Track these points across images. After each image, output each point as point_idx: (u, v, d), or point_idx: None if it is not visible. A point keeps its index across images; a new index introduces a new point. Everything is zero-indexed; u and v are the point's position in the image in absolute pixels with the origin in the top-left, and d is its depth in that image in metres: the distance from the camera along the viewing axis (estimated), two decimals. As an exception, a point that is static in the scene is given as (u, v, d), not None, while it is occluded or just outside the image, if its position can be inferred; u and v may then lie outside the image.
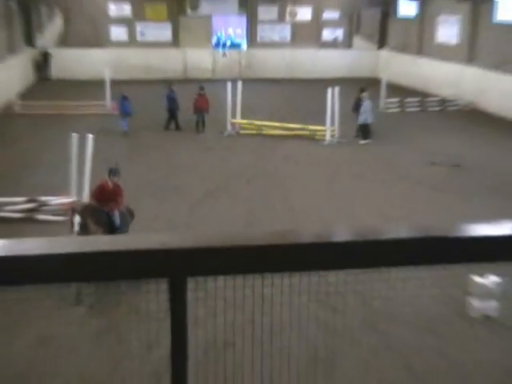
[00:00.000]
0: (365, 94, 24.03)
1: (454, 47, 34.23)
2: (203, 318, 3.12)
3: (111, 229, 11.97)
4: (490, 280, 10.50)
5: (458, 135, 25.28)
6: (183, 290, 2.16)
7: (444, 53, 34.88)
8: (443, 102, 31.83)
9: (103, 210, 12.01)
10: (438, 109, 31.23)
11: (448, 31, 35.11)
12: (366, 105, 23.75)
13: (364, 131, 23.97)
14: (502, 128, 26.77)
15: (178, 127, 25.26)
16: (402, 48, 39.55)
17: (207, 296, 3.49)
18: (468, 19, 32.99)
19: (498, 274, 10.36)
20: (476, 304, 10.52)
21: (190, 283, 2.15)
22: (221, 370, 7.28)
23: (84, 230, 11.42)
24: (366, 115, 23.69)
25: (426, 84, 35.15)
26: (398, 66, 38.20)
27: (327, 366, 8.81)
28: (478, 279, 10.51)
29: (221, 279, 2.42)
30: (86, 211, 11.81)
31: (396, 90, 33.49)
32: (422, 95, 32.79)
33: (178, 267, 2.14)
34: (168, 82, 26.98)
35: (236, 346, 7.15)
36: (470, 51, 32.97)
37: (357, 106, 24.30)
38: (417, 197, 17.49)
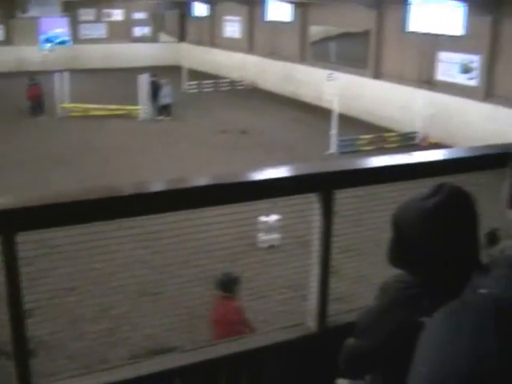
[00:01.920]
0: (164, 81, 24.11)
1: (238, 40, 34.77)
2: (47, 270, 3.11)
3: None
4: (273, 218, 11.02)
5: (243, 109, 25.85)
6: (13, 245, 2.04)
7: (231, 44, 35.34)
8: (232, 82, 32.25)
9: None
10: (228, 88, 31.60)
11: (233, 28, 35.62)
12: (166, 89, 23.85)
13: (166, 110, 23.91)
14: (277, 102, 27.73)
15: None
16: (198, 41, 39.60)
17: (52, 252, 3.46)
18: (247, 18, 33.63)
19: (277, 213, 10.87)
20: (263, 237, 11.04)
21: (28, 240, 2.03)
22: (65, 311, 7.18)
23: None
24: (166, 98, 23.78)
25: (219, 69, 35.44)
26: (196, 55, 38.25)
27: (153, 297, 8.92)
28: (263, 218, 10.99)
29: (61, 236, 2.39)
30: None
31: (195, 74, 33.56)
32: (216, 78, 33.03)
33: (9, 225, 2.03)
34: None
35: (78, 289, 7.06)
36: (249, 43, 33.67)
37: (154, 90, 24.06)
38: (212, 156, 17.97)
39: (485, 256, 1.33)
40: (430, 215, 1.71)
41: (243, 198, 2.52)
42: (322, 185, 2.66)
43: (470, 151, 3.30)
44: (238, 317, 6.47)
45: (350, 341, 2.01)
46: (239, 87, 31.94)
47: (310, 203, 2.75)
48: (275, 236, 10.93)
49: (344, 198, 3.15)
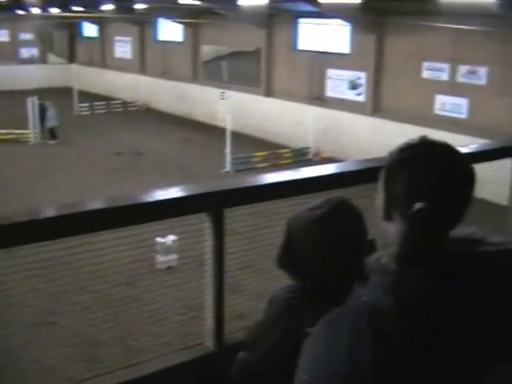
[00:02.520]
0: (48, 103, 23.53)
1: (129, 61, 34.40)
2: None
3: None
4: (170, 239, 10.92)
5: (137, 130, 25.51)
6: None
7: (123, 65, 34.91)
8: (125, 104, 31.82)
9: None
10: (121, 110, 31.16)
11: (124, 48, 35.23)
12: (51, 112, 23.30)
13: (52, 133, 23.34)
14: (171, 122, 27.60)
15: None
16: (89, 62, 38.82)
17: None
18: (137, 39, 33.38)
19: (175, 233, 10.76)
20: (161, 258, 10.90)
21: None
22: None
23: None
24: (51, 121, 23.22)
25: (111, 90, 34.85)
26: (87, 77, 37.38)
27: (50, 327, 8.59)
28: (160, 239, 10.85)
29: None
30: None
31: (87, 96, 32.86)
32: (108, 99, 32.46)
33: None
34: None
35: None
36: (141, 64, 33.41)
37: (41, 113, 23.40)
38: (106, 179, 17.66)
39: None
40: (315, 225, 1.81)
41: (135, 220, 2.52)
42: (212, 204, 2.68)
43: (353, 165, 3.42)
44: None
45: (241, 354, 2.04)
46: (132, 108, 31.57)
47: (205, 222, 2.77)
48: (173, 257, 10.83)
49: (242, 215, 3.19)
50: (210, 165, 19.70)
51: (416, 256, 1.29)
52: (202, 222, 2.78)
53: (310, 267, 1.82)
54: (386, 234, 1.43)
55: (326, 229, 1.80)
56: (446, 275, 1.29)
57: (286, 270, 1.91)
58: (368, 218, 1.86)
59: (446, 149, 1.40)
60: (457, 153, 1.41)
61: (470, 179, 1.39)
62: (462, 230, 1.40)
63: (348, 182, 3.06)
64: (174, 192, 2.65)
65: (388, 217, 1.42)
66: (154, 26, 31.83)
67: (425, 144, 1.41)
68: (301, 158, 20.63)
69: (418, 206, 1.30)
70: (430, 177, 1.34)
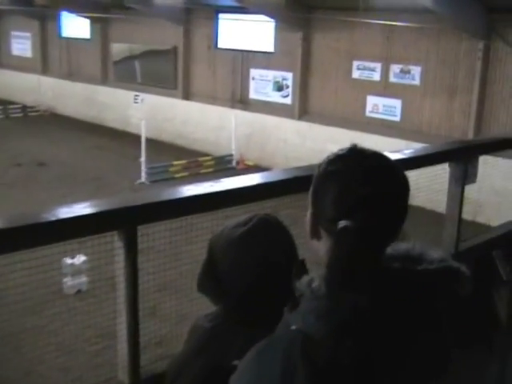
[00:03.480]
0: None
1: (29, 60, 33.57)
2: None
3: None
4: (79, 259, 10.69)
5: (40, 137, 24.98)
6: None
7: (22, 64, 34.02)
8: (25, 108, 31.02)
9: None
10: (21, 115, 30.38)
11: (23, 45, 34.30)
12: None
13: None
14: (78, 128, 27.12)
15: None
16: (-19, 61, 37.69)
17: None
18: (38, 35, 32.63)
19: (85, 254, 10.56)
20: (69, 282, 10.66)
21: None
22: None
23: None
24: None
25: (9, 93, 33.85)
26: (-21, 78, 36.28)
27: None
28: (68, 260, 10.62)
29: None
30: None
31: (-20, 100, 31.91)
32: (6, 103, 31.51)
33: None
34: None
35: None
36: (43, 63, 32.69)
37: None
38: (5, 194, 17.24)
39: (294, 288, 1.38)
40: (236, 244, 1.80)
41: (35, 242, 2.48)
42: (123, 221, 2.66)
43: (280, 174, 3.44)
44: None
45: None
46: (34, 113, 30.89)
47: (116, 241, 2.75)
48: (83, 280, 10.63)
49: (160, 232, 3.16)
50: (123, 175, 19.52)
51: (347, 278, 1.28)
52: (114, 241, 2.77)
53: (233, 290, 1.80)
54: (316, 252, 1.43)
55: (248, 248, 1.80)
56: (381, 298, 1.29)
57: (207, 293, 1.90)
58: (299, 235, 1.86)
59: (379, 158, 1.41)
60: (391, 162, 1.42)
61: (405, 190, 1.39)
62: (398, 246, 1.41)
63: (275, 192, 3.08)
64: (80, 209, 2.60)
65: (315, 234, 1.42)
66: (57, 20, 31.23)
67: (355, 154, 1.41)
68: (223, 166, 20.72)
69: (342, 223, 1.30)
70: (361, 191, 1.34)
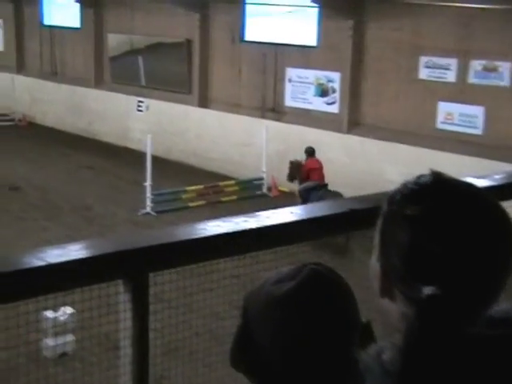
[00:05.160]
0: None
1: (0, 53, 34.06)
2: None
3: None
4: (64, 312, 10.69)
5: (15, 153, 25.08)
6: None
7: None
8: (-5, 117, 31.54)
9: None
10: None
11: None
12: None
13: None
14: (63, 143, 27.34)
15: None
16: None
17: None
18: (12, 22, 32.94)
19: (71, 305, 10.54)
20: (50, 342, 10.66)
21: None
22: None
23: None
24: None
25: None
26: None
27: None
28: (49, 314, 10.61)
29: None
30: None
31: None
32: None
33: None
34: None
35: None
36: (18, 58, 33.09)
37: None
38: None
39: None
40: (279, 305, 1.78)
41: (7, 296, 2.47)
42: (132, 267, 2.68)
43: (330, 207, 3.48)
44: None
45: None
46: (6, 123, 31.08)
47: (117, 285, 2.77)
48: (68, 339, 10.62)
49: (168, 274, 3.17)
50: (122, 204, 19.63)
51: (431, 351, 1.26)
52: (119, 293, 2.78)
53: (275, 365, 1.79)
54: (386, 314, 1.41)
55: (295, 311, 1.79)
56: (470, 374, 1.27)
57: (243, 370, 1.88)
58: (360, 286, 1.83)
59: (475, 197, 1.37)
60: (491, 202, 1.37)
61: (507, 237, 1.35)
62: (500, 307, 1.39)
63: (325, 230, 3.10)
64: (76, 250, 2.60)
65: (387, 293, 1.41)
66: (37, 3, 31.63)
67: (441, 191, 1.36)
68: (251, 192, 20.77)
69: (428, 291, 1.27)
70: (450, 245, 1.31)
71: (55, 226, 17.29)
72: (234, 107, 23.69)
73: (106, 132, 27.73)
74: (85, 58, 29.48)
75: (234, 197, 20.34)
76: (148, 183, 19.25)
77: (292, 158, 18.92)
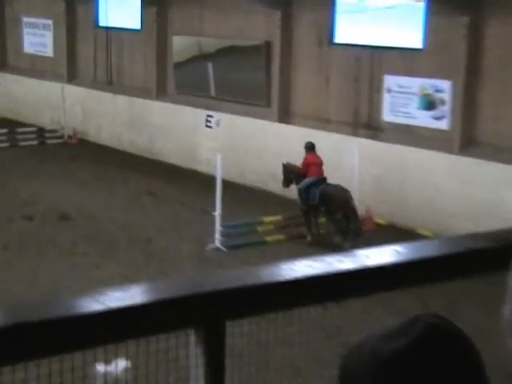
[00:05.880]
0: None
1: (49, 60, 34.98)
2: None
3: None
4: (118, 366, 10.71)
5: (64, 177, 25.72)
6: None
7: (38, 67, 35.30)
8: (41, 132, 32.16)
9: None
10: (35, 143, 31.44)
11: (38, 39, 35.28)
12: None
13: None
14: (120, 164, 27.70)
15: None
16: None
17: None
18: (64, 23, 33.66)
19: (126, 357, 10.56)
20: (101, 402, 10.68)
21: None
22: None
23: None
24: None
25: (18, 110, 35.20)
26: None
27: None
28: (100, 367, 10.61)
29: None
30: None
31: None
32: (11, 125, 32.83)
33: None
34: None
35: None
36: (70, 65, 33.65)
37: None
38: (7, 263, 17.71)
39: None
40: (389, 366, 1.74)
41: (53, 348, 2.45)
42: (206, 314, 2.68)
43: (442, 245, 3.43)
44: None
45: None
46: (54, 140, 31.81)
47: (187, 335, 2.73)
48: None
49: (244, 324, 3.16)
50: (187, 237, 19.75)
51: None
52: (189, 344, 2.75)
53: None
54: None
55: (409, 374, 1.74)
56: None
57: None
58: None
59: None
60: None
61: None
62: None
63: (437, 274, 3.05)
64: (140, 293, 2.65)
65: None
66: (92, 2, 32.23)
67: None
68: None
69: None
70: None
71: (109, 262, 17.52)
72: (321, 122, 23.70)
73: (170, 151, 28.05)
74: (146, 64, 29.96)
75: (320, 230, 20.30)
76: (218, 212, 19.27)
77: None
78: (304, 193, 18.93)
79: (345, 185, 21.36)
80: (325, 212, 19.79)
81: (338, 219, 19.58)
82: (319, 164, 19.89)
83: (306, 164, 19.96)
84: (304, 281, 2.82)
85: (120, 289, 2.63)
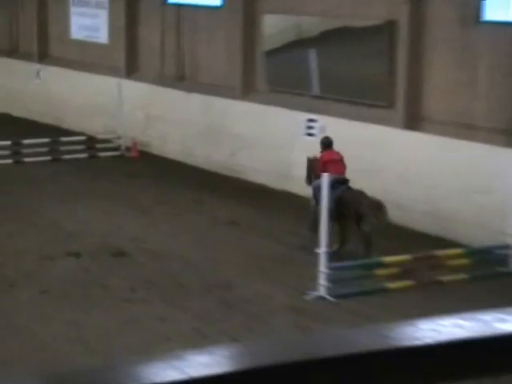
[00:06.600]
0: None
1: (104, 48, 35.72)
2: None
3: None
4: None
5: (120, 200, 26.17)
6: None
7: (90, 58, 36.10)
8: (92, 142, 32.65)
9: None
10: (84, 155, 31.90)
11: (89, 20, 36.56)
12: None
13: None
14: (189, 182, 28.04)
15: None
16: (9, 51, 40.13)
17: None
18: (124, 2, 34.17)
19: None
20: None
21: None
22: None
23: None
24: None
25: (63, 114, 35.92)
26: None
27: None
28: None
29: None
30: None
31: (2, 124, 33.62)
32: (54, 132, 33.51)
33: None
34: None
35: None
36: (129, 55, 34.34)
37: None
38: (42, 311, 17.88)
39: None
40: None
41: None
42: None
43: None
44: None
45: None
46: (109, 153, 32.29)
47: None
48: None
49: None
50: (279, 282, 19.77)
51: None
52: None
53: None
54: None
55: None
56: None
57: None
58: None
59: None
60: None
61: None
62: None
63: None
64: (226, 356, 2.55)
65: None
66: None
67: None
68: (490, 269, 20.27)
69: None
70: None
71: (177, 312, 17.52)
72: (464, 130, 23.42)
73: (257, 168, 28.19)
74: (228, 53, 30.25)
75: (464, 275, 19.95)
76: (322, 250, 19.08)
77: None
78: (317, 195, 19.65)
79: (496, 215, 20.96)
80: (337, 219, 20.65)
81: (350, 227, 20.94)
82: (338, 160, 21.32)
83: (323, 162, 21.15)
84: (451, 346, 2.73)
85: (202, 351, 2.58)
